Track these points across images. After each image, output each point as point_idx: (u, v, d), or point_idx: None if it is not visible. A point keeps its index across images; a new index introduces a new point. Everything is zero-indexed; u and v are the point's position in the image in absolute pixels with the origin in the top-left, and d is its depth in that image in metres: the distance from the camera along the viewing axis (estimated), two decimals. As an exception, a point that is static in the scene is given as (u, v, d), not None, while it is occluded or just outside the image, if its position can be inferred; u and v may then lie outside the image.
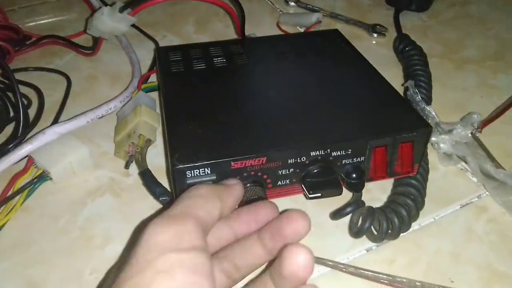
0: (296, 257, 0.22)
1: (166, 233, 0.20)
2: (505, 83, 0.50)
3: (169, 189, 0.35)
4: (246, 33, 0.49)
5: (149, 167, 0.36)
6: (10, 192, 0.35)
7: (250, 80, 0.40)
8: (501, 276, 0.32)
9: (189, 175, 0.30)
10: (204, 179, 0.31)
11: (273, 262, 0.24)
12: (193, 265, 0.19)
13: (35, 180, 0.36)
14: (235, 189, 0.28)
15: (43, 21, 0.59)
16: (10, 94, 0.44)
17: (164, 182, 0.36)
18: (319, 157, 0.33)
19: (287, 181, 0.33)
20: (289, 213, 0.26)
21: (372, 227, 0.33)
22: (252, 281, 0.27)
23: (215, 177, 0.31)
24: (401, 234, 0.34)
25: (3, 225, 0.34)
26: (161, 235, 0.20)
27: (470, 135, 0.39)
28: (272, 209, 0.28)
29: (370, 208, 0.33)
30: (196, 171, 0.30)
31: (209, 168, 0.31)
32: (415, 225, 0.35)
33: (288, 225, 0.25)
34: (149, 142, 0.38)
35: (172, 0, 0.44)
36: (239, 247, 0.27)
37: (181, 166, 0.30)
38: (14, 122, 0.41)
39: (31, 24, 0.58)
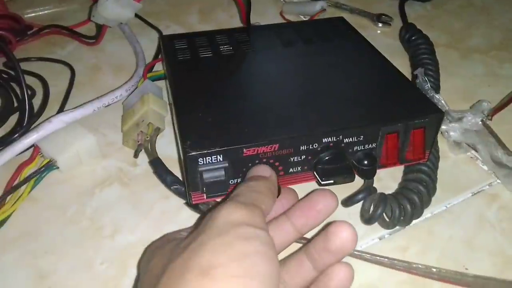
0: (344, 232, 0.25)
1: (240, 213, 0.23)
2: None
3: (179, 178, 0.35)
4: (251, 22, 0.49)
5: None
6: (16, 182, 0.35)
7: (258, 67, 0.40)
8: (515, 263, 0.32)
9: (201, 162, 0.30)
10: (216, 166, 0.30)
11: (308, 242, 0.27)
12: (266, 240, 0.22)
13: (42, 169, 0.36)
14: (276, 185, 0.29)
15: (43, 12, 0.58)
16: (13, 84, 0.44)
17: (174, 171, 0.36)
18: (331, 144, 0.33)
19: (299, 168, 0.33)
20: (318, 190, 0.28)
21: (384, 213, 0.33)
22: (287, 259, 0.27)
23: (227, 164, 0.31)
24: (414, 222, 0.34)
25: (10, 215, 0.34)
26: (236, 214, 0.23)
27: (480, 122, 0.39)
28: (330, 199, 0.29)
29: (383, 194, 0.33)
30: (208, 158, 0.30)
31: (221, 155, 0.30)
32: (427, 213, 0.35)
33: (321, 200, 0.28)
34: (158, 130, 0.37)
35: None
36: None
37: (193, 153, 0.29)
38: (18, 113, 0.41)
39: (32, 15, 0.57)
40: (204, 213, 0.33)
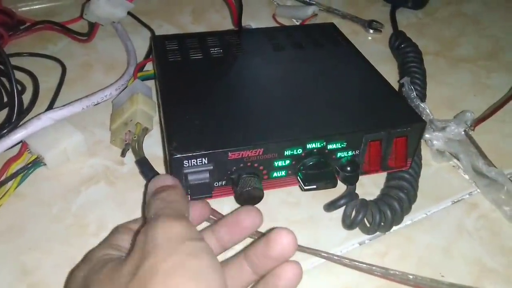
0: (284, 238, 0.25)
1: (177, 228, 0.23)
2: (498, 82, 0.50)
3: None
4: (242, 24, 0.49)
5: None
6: (3, 177, 0.35)
7: (247, 71, 0.41)
8: (490, 271, 0.32)
9: (186, 164, 0.30)
10: (201, 168, 0.31)
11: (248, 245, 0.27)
12: (209, 250, 0.22)
13: (29, 166, 0.36)
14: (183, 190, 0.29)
15: (37, 6, 0.58)
16: (3, 79, 0.44)
17: (160, 171, 0.36)
18: (315, 150, 0.33)
19: (283, 172, 0.34)
20: (244, 208, 0.29)
21: (365, 220, 0.33)
22: (225, 262, 0.28)
23: (212, 167, 0.31)
24: (394, 229, 0.34)
25: (-4, 211, 0.34)
26: (174, 230, 0.22)
27: (463, 133, 0.39)
28: (255, 216, 0.29)
29: (363, 200, 0.34)
30: (194, 161, 0.30)
31: (206, 158, 0.31)
32: (407, 220, 0.35)
33: (247, 218, 0.28)
34: (146, 130, 0.38)
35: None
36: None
37: (178, 156, 0.30)
38: (7, 108, 0.41)
39: (25, 9, 0.57)
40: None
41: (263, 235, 0.27)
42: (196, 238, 0.22)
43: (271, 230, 0.26)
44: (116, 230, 0.28)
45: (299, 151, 0.33)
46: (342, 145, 0.34)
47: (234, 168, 0.32)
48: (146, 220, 0.25)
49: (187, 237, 0.22)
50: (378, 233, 0.34)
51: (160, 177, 0.29)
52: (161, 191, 0.27)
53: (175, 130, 0.32)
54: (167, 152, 0.31)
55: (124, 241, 0.27)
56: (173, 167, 0.30)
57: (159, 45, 0.43)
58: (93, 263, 0.25)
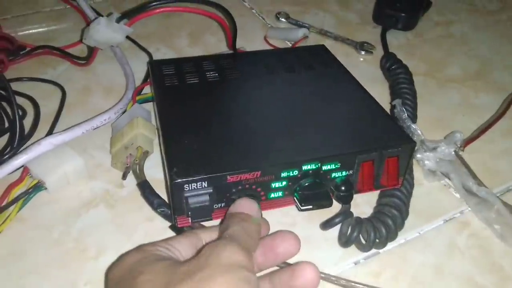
0: (309, 274, 0.28)
1: (241, 257, 0.25)
2: (486, 102, 0.52)
3: (166, 200, 0.36)
4: (237, 46, 0.51)
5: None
6: (5, 202, 0.36)
7: (242, 94, 0.42)
8: (481, 289, 0.33)
9: (186, 188, 0.31)
10: (201, 192, 0.32)
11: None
12: (256, 284, 0.25)
13: (30, 190, 0.37)
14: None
15: (36, 31, 0.60)
16: (4, 103, 0.45)
17: (159, 193, 0.37)
18: (310, 171, 0.34)
19: (280, 193, 0.35)
20: (282, 233, 0.30)
21: (361, 237, 0.34)
22: None
23: (211, 190, 0.32)
24: (388, 248, 0.35)
25: (-3, 235, 0.34)
26: (238, 257, 0.25)
27: (453, 153, 0.41)
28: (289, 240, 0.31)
29: (358, 218, 0.35)
30: (194, 185, 0.31)
31: (206, 182, 0.32)
32: (401, 239, 0.36)
33: (282, 243, 0.30)
34: (146, 153, 0.38)
35: (167, 11, 0.44)
36: None
37: (179, 180, 0.31)
38: (8, 133, 0.42)
39: (25, 33, 0.59)
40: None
41: (288, 264, 0.30)
42: (251, 271, 0.25)
43: (298, 263, 0.28)
44: (182, 234, 0.31)
45: (295, 172, 0.34)
46: (336, 166, 0.35)
47: (233, 190, 0.33)
48: (220, 231, 0.29)
49: (245, 266, 0.25)
50: (373, 251, 0.35)
51: (247, 204, 0.31)
52: (244, 220, 0.29)
53: (175, 155, 0.33)
54: (167, 177, 0.32)
55: (182, 244, 0.29)
56: (174, 191, 0.31)
57: (156, 70, 0.44)
58: (146, 254, 0.27)
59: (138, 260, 0.26)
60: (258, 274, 0.30)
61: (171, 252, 0.28)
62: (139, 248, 0.28)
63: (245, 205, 0.31)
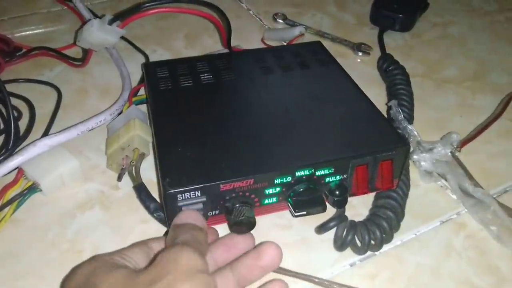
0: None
1: (199, 262, 0.26)
2: (483, 103, 0.52)
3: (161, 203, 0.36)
4: (233, 45, 0.51)
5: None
6: (0, 203, 0.35)
7: (236, 98, 0.41)
8: (478, 291, 0.33)
9: (180, 198, 0.31)
10: (195, 201, 0.32)
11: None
12: (216, 285, 0.26)
13: (25, 192, 0.36)
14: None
15: (33, 32, 0.60)
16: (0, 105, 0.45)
17: (155, 195, 0.37)
18: (304, 177, 0.34)
19: (274, 199, 0.35)
20: (263, 245, 0.31)
21: (356, 239, 0.34)
22: (213, 274, 0.30)
23: (205, 199, 0.32)
24: (384, 249, 0.35)
25: (-8, 237, 0.34)
26: (197, 262, 0.26)
27: (449, 154, 0.41)
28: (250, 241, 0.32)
29: (352, 221, 0.35)
30: (187, 194, 0.31)
31: (199, 191, 0.32)
32: (397, 241, 0.36)
33: (266, 255, 0.30)
34: (143, 155, 0.38)
35: (160, 12, 0.44)
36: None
37: (172, 191, 0.31)
38: (4, 134, 0.42)
39: (21, 34, 0.59)
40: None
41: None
42: (208, 274, 0.26)
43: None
44: (133, 244, 0.30)
45: (289, 179, 0.34)
46: (330, 171, 0.34)
47: (227, 198, 0.33)
48: (167, 241, 0.29)
49: (203, 270, 0.25)
50: (369, 253, 0.35)
51: (192, 215, 0.31)
52: (193, 228, 0.30)
53: (168, 164, 0.33)
54: (161, 186, 0.32)
55: (136, 253, 0.29)
56: (168, 201, 0.31)
57: (151, 73, 0.44)
58: (99, 264, 0.26)
59: (93, 269, 0.26)
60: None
61: (126, 261, 0.27)
62: (93, 257, 0.27)
63: (190, 216, 0.31)
